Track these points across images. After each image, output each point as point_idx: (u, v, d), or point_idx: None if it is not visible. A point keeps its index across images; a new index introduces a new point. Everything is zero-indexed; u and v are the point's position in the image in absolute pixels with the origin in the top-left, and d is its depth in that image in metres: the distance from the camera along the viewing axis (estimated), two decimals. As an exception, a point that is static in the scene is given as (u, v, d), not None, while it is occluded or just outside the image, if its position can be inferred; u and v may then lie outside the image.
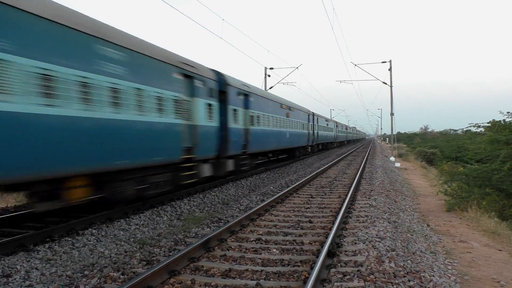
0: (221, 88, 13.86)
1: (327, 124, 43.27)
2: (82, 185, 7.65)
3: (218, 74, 14.02)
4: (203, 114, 12.08)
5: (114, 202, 8.81)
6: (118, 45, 8.27)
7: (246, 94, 16.29)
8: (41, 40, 6.52)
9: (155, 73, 9.67)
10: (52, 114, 6.60)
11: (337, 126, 53.78)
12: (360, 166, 21.70)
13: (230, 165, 14.52)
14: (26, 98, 6.16)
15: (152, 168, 9.72)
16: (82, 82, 7.24)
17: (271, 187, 14.01)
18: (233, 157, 14.82)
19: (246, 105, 16.32)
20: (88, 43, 7.46)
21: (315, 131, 34.38)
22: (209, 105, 12.62)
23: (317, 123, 35.88)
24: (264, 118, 18.73)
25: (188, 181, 11.40)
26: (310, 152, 33.50)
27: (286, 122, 23.36)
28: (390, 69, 33.42)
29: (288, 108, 23.99)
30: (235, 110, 14.85)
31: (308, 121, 31.16)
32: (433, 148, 37.94)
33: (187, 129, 11.04)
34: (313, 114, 33.85)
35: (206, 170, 12.67)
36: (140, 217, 9.11)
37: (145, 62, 9.32)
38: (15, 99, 5.99)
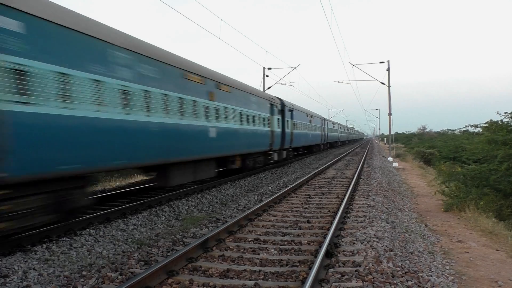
0: (282, 108, 22.84)
1: (333, 127, 52.46)
2: (239, 160, 16.39)
3: (281, 100, 23.14)
4: (276, 124, 20.95)
5: (248, 168, 17.39)
6: (248, 92, 17.42)
7: (291, 110, 25.05)
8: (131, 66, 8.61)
9: (261, 104, 18.73)
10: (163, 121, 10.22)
11: (340, 127, 62.26)
12: (358, 166, 21.73)
13: (284, 154, 23.14)
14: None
15: (257, 154, 18.52)
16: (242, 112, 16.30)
17: (270, 187, 14.01)
18: (286, 149, 23.51)
19: (292, 117, 25.02)
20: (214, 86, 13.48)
21: (326, 133, 42.62)
22: (278, 119, 21.52)
23: (327, 126, 43.77)
24: (299, 125, 27.64)
25: (269, 162, 20.31)
26: (322, 148, 41.65)
27: (309, 127, 32.22)
28: (388, 69, 33.47)
29: (310, 116, 32.84)
30: (287, 120, 23.58)
31: (321, 125, 39.21)
32: (431, 148, 37.99)
33: (269, 133, 19.72)
34: (324, 119, 41.34)
35: (275, 156, 21.27)
36: (138, 217, 9.10)
37: (257, 100, 18.18)
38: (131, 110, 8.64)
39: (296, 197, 11.95)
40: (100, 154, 7.59)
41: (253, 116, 17.27)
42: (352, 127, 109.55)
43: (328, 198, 11.75)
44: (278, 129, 21.33)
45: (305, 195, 12.27)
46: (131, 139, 8.51)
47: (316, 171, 18.58)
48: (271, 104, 20.63)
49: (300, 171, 20.63)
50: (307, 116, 31.38)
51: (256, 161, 18.39)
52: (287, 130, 23.37)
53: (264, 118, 18.94)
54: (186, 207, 10.65)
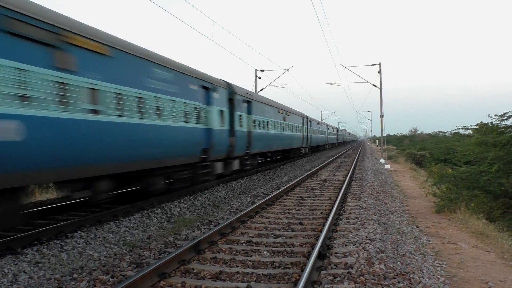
0: (231, 97, 16.05)
1: (319, 127, 45.20)
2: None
3: (229, 84, 15.96)
4: (216, 120, 14.60)
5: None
6: (273, 106, 22.64)
7: (248, 101, 18.78)
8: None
9: (181, 84, 11.85)
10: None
11: (328, 128, 55.04)
12: (351, 168, 21.80)
13: (235, 164, 16.86)
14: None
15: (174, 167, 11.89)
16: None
17: (262, 189, 14.01)
18: (239, 157, 17.30)
19: (250, 111, 19.45)
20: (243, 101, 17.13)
21: (309, 134, 36.19)
22: (221, 111, 14.73)
23: (310, 126, 37.51)
24: (265, 122, 21.09)
25: (204, 179, 15.86)
26: (304, 153, 35.19)
27: (283, 126, 25.57)
28: (379, 72, 33.68)
29: (285, 113, 26.11)
30: (240, 115, 16.87)
31: (303, 124, 33.53)
32: (422, 150, 38.29)
33: (203, 133, 14.58)
34: (307, 118, 35.54)
35: (218, 168, 17.00)
36: (130, 220, 9.05)
37: (172, 77, 11.43)
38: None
39: (289, 199, 11.96)
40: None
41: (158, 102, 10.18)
42: (344, 129, 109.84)
43: (320, 200, 11.77)
44: (221, 127, 14.47)
45: (297, 197, 12.29)
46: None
47: (308, 173, 18.62)
48: (205, 88, 13.24)
49: (293, 173, 20.66)
50: (279, 111, 24.26)
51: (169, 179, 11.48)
52: (240, 129, 16.62)
53: (189, 107, 11.90)
54: (178, 209, 10.61)
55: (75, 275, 5.60)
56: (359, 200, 11.40)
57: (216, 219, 9.00)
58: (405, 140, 78.32)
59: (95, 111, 7.80)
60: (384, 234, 7.64)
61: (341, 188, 13.25)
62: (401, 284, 5.06)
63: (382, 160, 32.42)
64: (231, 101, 15.69)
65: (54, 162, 6.78)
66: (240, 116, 16.73)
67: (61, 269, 5.94)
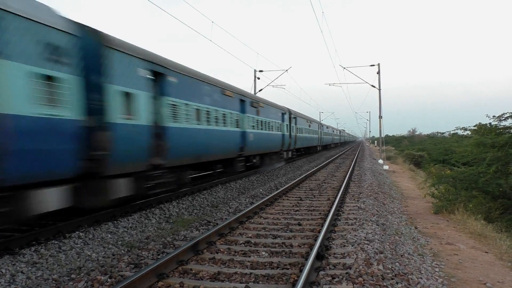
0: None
1: (310, 125, 37.46)
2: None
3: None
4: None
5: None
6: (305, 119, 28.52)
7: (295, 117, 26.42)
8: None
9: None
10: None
11: (322, 127, 47.81)
12: (349, 168, 21.81)
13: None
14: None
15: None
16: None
17: (261, 190, 14.00)
18: (326, 145, 25.31)
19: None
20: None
21: (293, 134, 29.10)
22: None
23: (296, 124, 30.03)
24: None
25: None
26: (287, 158, 27.57)
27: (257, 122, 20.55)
28: (378, 72, 33.70)
29: (258, 104, 20.33)
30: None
31: (283, 121, 25.56)
32: (421, 151, 38.30)
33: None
34: (289, 113, 27.96)
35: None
36: (128, 220, 9.04)
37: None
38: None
39: (287, 199, 11.95)
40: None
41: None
42: (343, 130, 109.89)
43: (319, 200, 11.77)
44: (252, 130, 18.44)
45: (296, 197, 12.28)
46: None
47: (307, 173, 18.62)
48: (242, 100, 17.46)
49: (291, 173, 20.65)
50: (225, 93, 15.65)
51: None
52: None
53: None
54: (177, 210, 10.60)
55: (73, 276, 5.59)
56: (357, 200, 11.40)
57: (214, 220, 8.99)
58: (403, 140, 78.39)
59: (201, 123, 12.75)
60: (382, 235, 7.64)
61: (339, 189, 13.25)
62: (399, 285, 5.06)
63: (380, 161, 32.44)
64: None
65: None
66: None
67: (59, 269, 5.93)
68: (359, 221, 8.61)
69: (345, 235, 7.43)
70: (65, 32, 7.22)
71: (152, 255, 6.34)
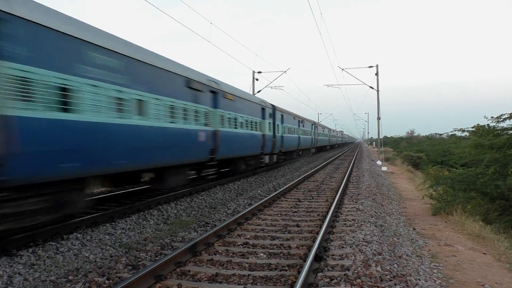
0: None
1: (301, 125, 33.92)
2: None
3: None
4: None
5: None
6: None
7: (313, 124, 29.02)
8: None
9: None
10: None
11: (314, 127, 42.53)
12: (348, 170, 21.82)
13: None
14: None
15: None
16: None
17: (259, 191, 14.00)
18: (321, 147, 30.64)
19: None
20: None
21: (277, 133, 24.46)
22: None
23: (282, 122, 26.01)
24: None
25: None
26: (264, 164, 22.76)
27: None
28: (376, 74, 33.76)
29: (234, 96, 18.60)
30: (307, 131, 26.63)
31: (262, 118, 21.33)
32: (419, 152, 38.33)
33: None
34: (273, 108, 23.83)
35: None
36: (126, 221, 9.02)
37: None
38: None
39: (286, 200, 11.95)
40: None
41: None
42: (341, 131, 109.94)
43: (317, 202, 11.77)
44: (269, 133, 22.71)
45: (294, 198, 12.28)
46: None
47: (305, 174, 18.62)
48: (263, 108, 21.59)
49: (290, 174, 20.65)
50: (226, 97, 15.63)
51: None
52: (304, 136, 29.36)
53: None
54: (175, 211, 10.59)
55: (70, 277, 5.58)
56: (356, 202, 11.41)
57: (212, 221, 8.99)
58: (402, 142, 78.50)
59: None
60: (381, 236, 7.65)
61: (338, 190, 13.25)
62: (397, 287, 5.06)
63: (379, 162, 32.47)
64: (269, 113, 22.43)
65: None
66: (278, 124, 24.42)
67: (57, 271, 5.92)
68: (358, 222, 8.62)
69: (343, 236, 7.43)
70: (269, 108, 22.24)
71: (150, 256, 6.33)
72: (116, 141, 8.56)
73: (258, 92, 32.99)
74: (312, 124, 41.27)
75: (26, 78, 6.28)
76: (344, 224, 8.63)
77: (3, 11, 5.97)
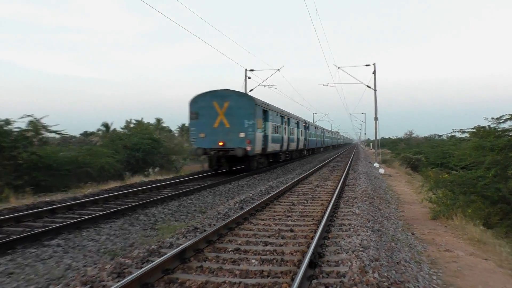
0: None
1: (286, 122, 30.95)
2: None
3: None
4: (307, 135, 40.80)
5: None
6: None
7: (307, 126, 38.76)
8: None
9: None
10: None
11: (306, 127, 41.13)
12: (344, 172, 21.87)
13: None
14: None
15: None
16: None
17: (250, 194, 13.97)
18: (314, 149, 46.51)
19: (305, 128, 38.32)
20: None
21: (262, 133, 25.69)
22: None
23: (260, 118, 24.16)
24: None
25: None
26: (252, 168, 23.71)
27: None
28: (374, 72, 33.92)
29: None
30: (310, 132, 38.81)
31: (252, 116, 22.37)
32: (418, 154, 38.60)
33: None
34: (267, 109, 24.80)
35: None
36: (111, 227, 8.96)
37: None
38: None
39: (279, 204, 11.94)
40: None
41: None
42: (337, 132, 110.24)
43: (312, 205, 11.78)
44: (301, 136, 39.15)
45: (288, 202, 12.28)
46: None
47: (299, 177, 18.63)
48: (298, 121, 37.27)
49: (283, 177, 20.64)
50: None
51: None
52: (311, 138, 44.56)
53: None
54: (163, 215, 10.54)
55: (51, 287, 5.51)
56: (352, 205, 11.43)
57: (202, 226, 8.95)
58: (400, 143, 78.95)
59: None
60: (378, 242, 7.66)
61: (333, 193, 13.27)
62: (395, 294, 5.06)
63: (376, 164, 32.63)
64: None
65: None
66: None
67: (37, 279, 5.85)
68: (354, 227, 8.63)
69: (339, 241, 7.43)
70: (307, 124, 42.44)
71: (136, 263, 6.28)
72: (280, 141, 27.32)
73: (251, 90, 33.00)
74: (303, 123, 39.29)
75: (271, 124, 23.70)
76: (340, 229, 8.63)
77: (260, 106, 22.15)
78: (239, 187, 16.59)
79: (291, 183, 16.11)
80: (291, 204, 11.97)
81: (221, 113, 21.33)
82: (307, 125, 41.39)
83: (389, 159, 43.90)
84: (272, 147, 25.73)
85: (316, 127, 52.78)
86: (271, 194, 12.74)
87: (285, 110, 30.35)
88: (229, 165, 23.01)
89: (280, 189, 14.17)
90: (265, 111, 23.98)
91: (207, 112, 21.33)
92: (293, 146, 33.13)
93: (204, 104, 21.44)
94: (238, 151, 20.56)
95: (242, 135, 21.12)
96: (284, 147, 29.64)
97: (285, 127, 29.57)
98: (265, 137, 23.88)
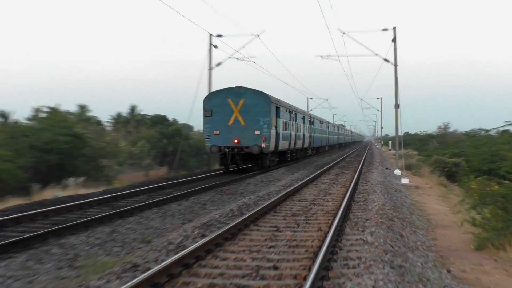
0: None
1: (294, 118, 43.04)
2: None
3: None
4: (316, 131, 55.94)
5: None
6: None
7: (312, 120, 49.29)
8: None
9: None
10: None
11: (312, 123, 52.23)
12: (351, 183, 21.99)
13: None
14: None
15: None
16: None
17: (217, 216, 13.91)
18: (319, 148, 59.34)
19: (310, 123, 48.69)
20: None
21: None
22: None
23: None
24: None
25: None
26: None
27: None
28: (394, 40, 34.11)
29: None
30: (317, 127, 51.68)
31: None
32: (456, 157, 39.10)
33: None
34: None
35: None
36: (7, 266, 8.81)
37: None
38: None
39: (257, 230, 11.93)
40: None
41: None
42: (341, 125, 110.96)
43: (305, 231, 11.79)
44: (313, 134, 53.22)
45: (270, 227, 12.26)
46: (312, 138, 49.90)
47: (287, 190, 18.64)
48: (309, 118, 50.18)
49: (264, 190, 20.65)
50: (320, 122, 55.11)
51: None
52: (316, 135, 53.63)
53: None
54: (87, 247, 10.44)
55: None
56: (363, 231, 11.48)
57: (145, 262, 8.86)
58: (431, 141, 79.92)
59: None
60: (399, 283, 7.70)
61: (336, 214, 13.30)
62: None
63: (397, 171, 32.89)
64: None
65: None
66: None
67: None
68: (365, 261, 8.66)
69: (343, 283, 7.44)
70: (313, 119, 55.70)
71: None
72: (289, 139, 37.05)
73: (218, 65, 32.98)
74: (305, 117, 46.43)
75: (281, 121, 33.50)
76: (345, 264, 8.66)
77: (274, 103, 31.68)
78: (199, 205, 16.55)
79: (275, 199, 16.12)
80: (275, 229, 11.95)
81: (236, 110, 29.46)
82: (312, 120, 51.65)
83: (415, 163, 44.38)
84: (282, 145, 34.61)
85: (321, 121, 61.77)
86: (247, 215, 12.71)
87: (293, 105, 40.55)
88: (243, 163, 31.28)
89: (259, 208, 14.14)
90: (277, 107, 32.76)
91: (222, 110, 29.50)
92: (299, 144, 42.43)
93: (219, 102, 29.72)
94: (254, 149, 28.82)
95: (257, 132, 29.34)
96: (292, 145, 38.81)
97: (292, 123, 38.78)
98: (277, 135, 32.49)
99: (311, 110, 72.50)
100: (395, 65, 34.16)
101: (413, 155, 59.62)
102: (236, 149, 28.99)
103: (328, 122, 73.77)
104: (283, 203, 16.49)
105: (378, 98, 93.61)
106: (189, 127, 64.75)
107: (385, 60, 34.43)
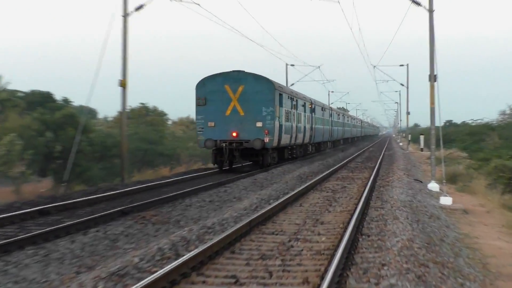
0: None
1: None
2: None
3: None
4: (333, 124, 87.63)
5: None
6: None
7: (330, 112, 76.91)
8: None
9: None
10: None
11: (313, 111, 66.05)
12: (359, 202, 21.94)
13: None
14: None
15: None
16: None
17: (136, 259, 13.77)
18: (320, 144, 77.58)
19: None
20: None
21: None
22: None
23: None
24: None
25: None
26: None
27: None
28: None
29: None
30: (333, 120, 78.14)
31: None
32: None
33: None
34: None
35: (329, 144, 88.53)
36: None
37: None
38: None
39: (203, 283, 11.82)
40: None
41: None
42: (344, 109, 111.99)
43: (281, 284, 11.70)
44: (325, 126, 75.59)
45: (228, 278, 12.14)
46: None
47: (257, 214, 18.47)
48: (323, 109, 69.96)
49: (220, 215, 20.51)
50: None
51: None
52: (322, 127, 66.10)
53: None
54: None
55: None
56: (376, 284, 11.42)
57: None
58: (489, 136, 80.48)
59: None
60: None
61: (333, 256, 13.23)
62: None
63: (433, 186, 32.91)
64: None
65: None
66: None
67: None
68: None
69: None
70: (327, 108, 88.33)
71: None
72: (290, 132, 50.21)
73: (138, 9, 33.01)
74: (305, 104, 60.03)
75: (284, 110, 48.41)
76: None
77: (277, 90, 45.77)
78: (106, 240, 16.40)
79: (237, 227, 15.98)
80: (236, 283, 11.83)
81: (234, 98, 38.04)
82: (313, 107, 64.71)
83: (463, 172, 44.35)
84: (284, 139, 45.35)
85: (323, 108, 73.52)
86: (181, 261, 12.54)
87: (294, 90, 51.19)
88: (241, 160, 40.59)
89: (213, 242, 13.98)
90: (280, 94, 42.89)
91: (218, 98, 38.26)
92: (300, 138, 54.43)
93: (214, 88, 38.53)
94: (256, 143, 37.62)
95: (259, 124, 38.36)
96: (293, 140, 50.49)
97: (294, 112, 50.98)
98: (280, 127, 42.56)
99: (292, 85, 74.74)
100: (430, 11, 34.11)
101: (459, 158, 60.03)
102: (234, 144, 37.25)
103: (331, 109, 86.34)
104: (249, 235, 16.38)
105: (401, 65, 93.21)
106: (91, 113, 63.06)
107: (414, 1, 34.32)
